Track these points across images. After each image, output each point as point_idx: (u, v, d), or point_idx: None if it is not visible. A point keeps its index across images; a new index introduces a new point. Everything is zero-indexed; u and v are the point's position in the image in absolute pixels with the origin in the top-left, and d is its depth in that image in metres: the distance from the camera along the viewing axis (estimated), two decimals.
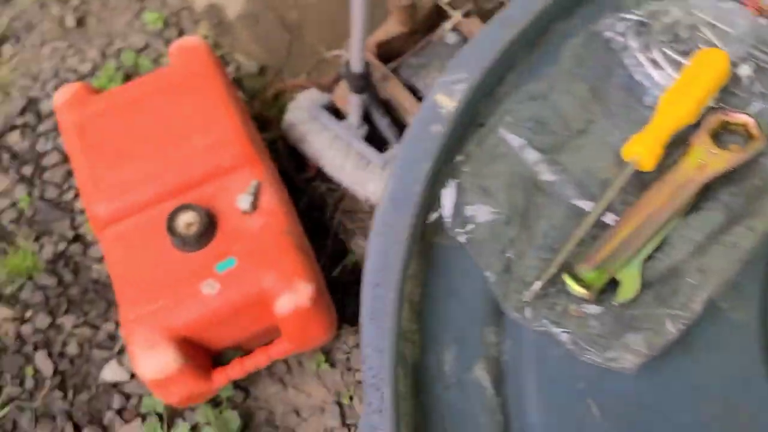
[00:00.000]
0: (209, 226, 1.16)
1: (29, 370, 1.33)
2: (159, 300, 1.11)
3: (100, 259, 1.43)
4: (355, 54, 1.25)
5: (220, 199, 1.20)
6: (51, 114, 1.60)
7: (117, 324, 1.37)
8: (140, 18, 1.72)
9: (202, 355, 1.15)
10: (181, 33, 1.70)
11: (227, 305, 1.11)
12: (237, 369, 1.15)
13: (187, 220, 1.17)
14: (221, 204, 1.20)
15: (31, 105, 1.62)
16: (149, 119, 1.27)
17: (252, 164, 1.24)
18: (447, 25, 1.44)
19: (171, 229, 1.16)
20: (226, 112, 1.26)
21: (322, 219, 1.44)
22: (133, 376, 1.31)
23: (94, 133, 1.26)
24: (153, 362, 1.07)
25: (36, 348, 1.36)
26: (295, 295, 1.10)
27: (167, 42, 1.68)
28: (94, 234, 1.30)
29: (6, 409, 1.29)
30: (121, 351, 1.34)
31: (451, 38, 1.43)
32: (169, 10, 1.73)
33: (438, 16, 1.46)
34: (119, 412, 1.28)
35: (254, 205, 1.19)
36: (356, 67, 1.27)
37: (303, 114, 1.43)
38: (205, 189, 1.21)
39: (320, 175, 1.46)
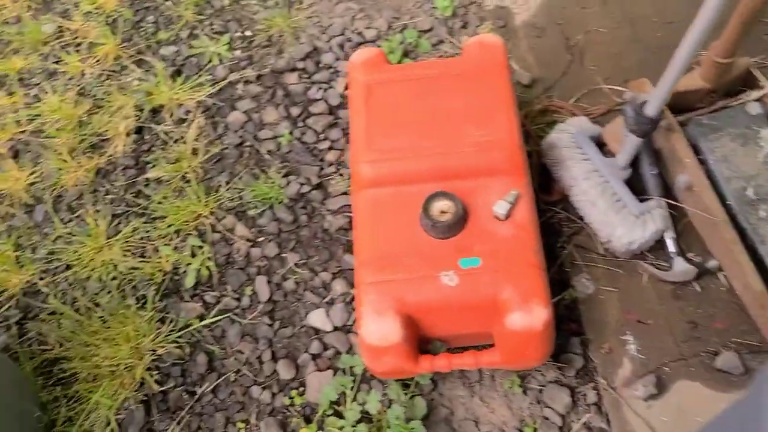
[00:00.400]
0: (461, 219, 1.18)
1: (248, 290, 1.44)
2: (398, 273, 1.15)
3: (335, 212, 1.51)
4: (658, 99, 1.20)
5: (477, 197, 1.22)
6: (328, 67, 1.71)
7: (333, 275, 1.44)
8: (431, 1, 1.78)
9: (414, 338, 1.17)
10: (464, 25, 1.73)
11: (460, 301, 1.12)
12: (444, 363, 1.16)
13: (442, 207, 1.20)
14: (476, 202, 1.21)
15: (313, 53, 1.74)
16: (433, 101, 1.31)
17: (517, 173, 1.24)
18: (753, 94, 1.35)
19: (426, 211, 1.19)
20: (507, 116, 1.27)
21: (552, 245, 1.41)
22: (335, 328, 1.37)
23: (379, 98, 1.33)
24: (378, 329, 1.11)
25: (259, 272, 1.46)
26: (529, 316, 1.09)
27: (450, 30, 1.73)
28: (351, 191, 1.37)
29: (221, 317, 1.41)
30: (331, 302, 1.40)
31: (754, 109, 1.34)
32: (461, 0, 1.77)
33: (745, 82, 1.37)
34: (314, 357, 1.35)
35: (509, 214, 1.19)
36: (652, 111, 1.22)
37: (569, 138, 1.41)
38: (466, 183, 1.23)
39: (563, 201, 1.43)
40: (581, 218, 1.40)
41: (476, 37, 1.39)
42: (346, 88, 1.66)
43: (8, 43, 1.88)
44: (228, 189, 1.56)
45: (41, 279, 1.50)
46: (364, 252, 1.21)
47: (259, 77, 1.72)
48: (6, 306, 1.48)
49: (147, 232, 1.52)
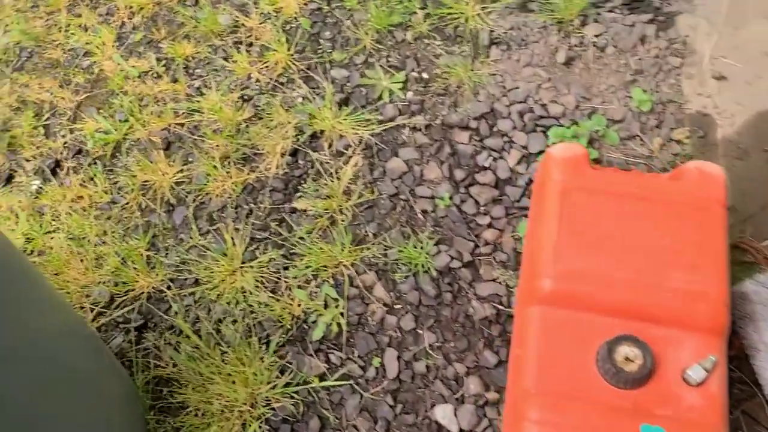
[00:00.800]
0: (648, 373, 1.06)
1: (375, 360, 1.35)
2: (568, 418, 1.03)
3: (482, 299, 1.40)
4: None
5: (667, 349, 1.08)
6: (503, 134, 1.59)
7: (468, 370, 1.33)
8: (627, 89, 1.63)
9: None
10: (659, 125, 1.58)
11: None
12: None
13: (628, 354, 1.07)
14: (665, 354, 1.08)
15: (490, 115, 1.62)
16: (638, 225, 1.18)
17: (718, 335, 1.10)
18: None
19: (609, 353, 1.07)
20: (719, 265, 1.13)
21: None
22: (461, 431, 1.27)
23: (576, 206, 1.20)
24: None
25: (390, 343, 1.37)
26: None
27: (643, 127, 1.58)
28: (519, 300, 1.26)
29: (342, 383, 1.32)
30: (461, 400, 1.30)
31: None
32: (660, 96, 1.62)
33: None
34: None
35: (702, 382, 1.06)
36: None
37: (766, 294, 1.25)
38: (657, 330, 1.09)
39: (740, 359, 1.28)
40: (759, 386, 1.25)
41: (696, 162, 1.25)
42: (519, 162, 1.54)
43: (181, 26, 1.84)
44: (375, 243, 1.47)
45: (168, 288, 1.45)
46: (528, 378, 1.09)
47: (428, 127, 1.62)
48: (129, 307, 1.43)
49: (284, 267, 1.45)
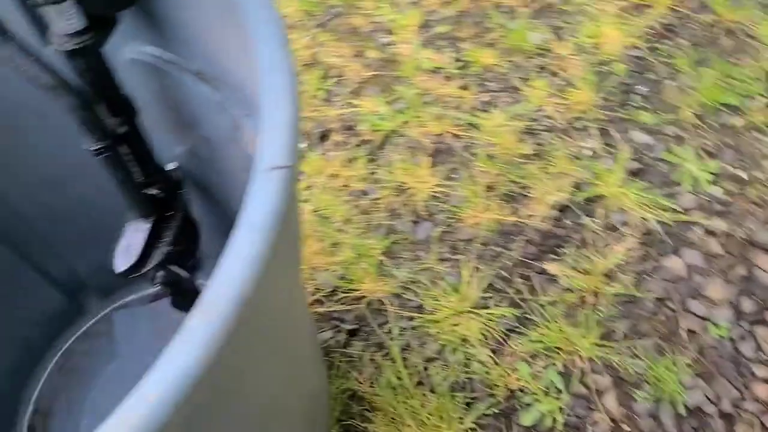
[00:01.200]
0: None
1: None
2: None
3: None
4: None
5: None
6: None
7: None
8: None
9: None
10: None
11: None
12: None
13: None
14: None
15: None
16: None
17: None
18: None
19: None
20: None
21: None
22: None
23: None
24: None
25: None
26: None
27: None
28: None
29: None
30: None
31: None
32: None
33: None
34: None
35: None
36: None
37: None
38: None
39: None
40: None
41: None
42: None
43: (488, 31, 1.73)
44: (622, 345, 1.28)
45: (391, 303, 1.37)
46: None
47: (727, 236, 1.38)
48: (348, 307, 1.38)
49: (514, 331, 1.31)
